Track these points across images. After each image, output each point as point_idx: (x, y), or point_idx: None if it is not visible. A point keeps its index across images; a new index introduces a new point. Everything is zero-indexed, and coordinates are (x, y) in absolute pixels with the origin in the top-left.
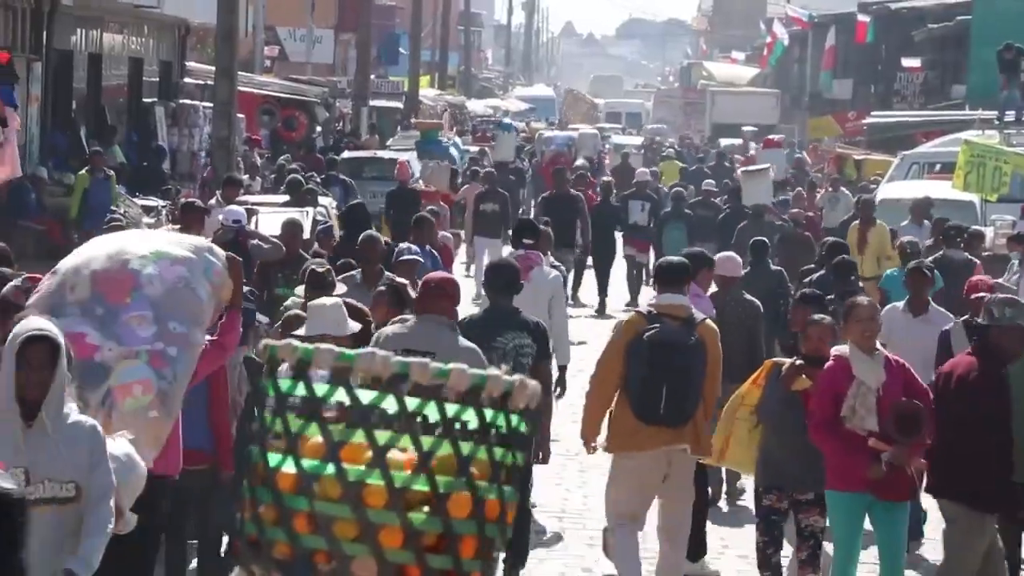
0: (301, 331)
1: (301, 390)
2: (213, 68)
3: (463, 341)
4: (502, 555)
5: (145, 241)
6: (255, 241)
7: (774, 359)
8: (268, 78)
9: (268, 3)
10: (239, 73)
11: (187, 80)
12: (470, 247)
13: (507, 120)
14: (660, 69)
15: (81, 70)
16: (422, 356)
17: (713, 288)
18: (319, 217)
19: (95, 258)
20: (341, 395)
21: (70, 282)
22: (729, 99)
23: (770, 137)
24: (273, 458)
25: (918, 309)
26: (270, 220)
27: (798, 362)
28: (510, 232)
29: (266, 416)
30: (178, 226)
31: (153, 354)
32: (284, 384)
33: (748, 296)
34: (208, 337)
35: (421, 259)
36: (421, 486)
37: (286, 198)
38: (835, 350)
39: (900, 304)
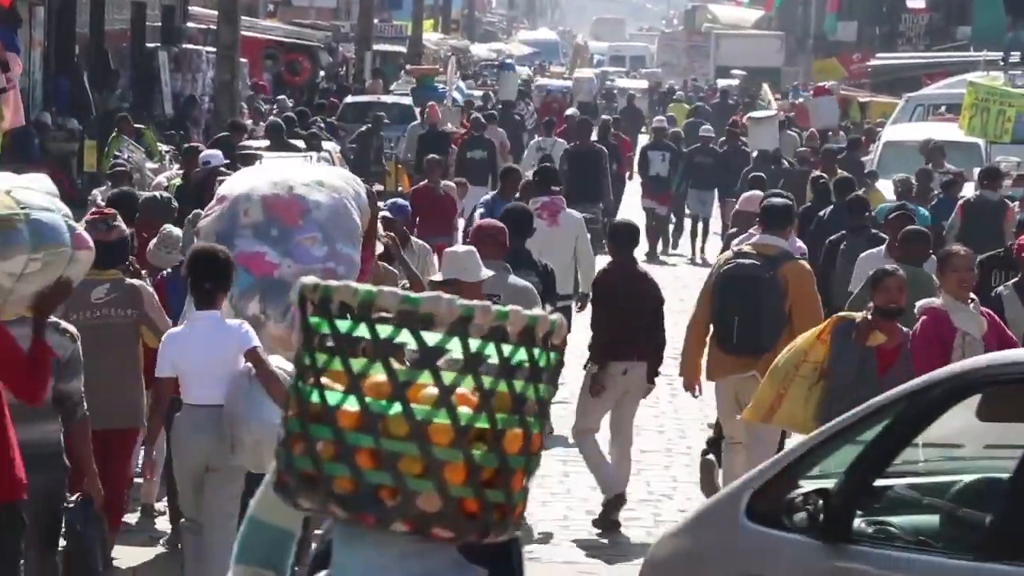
0: (437, 276)
1: (363, 331)
2: (216, 12)
3: (518, 280)
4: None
5: (304, 171)
6: (224, 178)
7: (839, 313)
8: (271, 22)
9: None
10: (242, 17)
11: (190, 25)
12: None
13: (509, 61)
14: (664, 12)
15: (84, 15)
16: (488, 298)
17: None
18: (323, 162)
19: (260, 185)
20: (406, 336)
21: (242, 207)
22: (733, 42)
23: (820, 85)
24: (333, 396)
25: (900, 254)
26: (275, 165)
27: (869, 316)
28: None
29: (319, 355)
30: (181, 171)
31: (326, 271)
32: (344, 325)
33: None
34: None
35: (389, 214)
36: (483, 424)
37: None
38: (925, 303)
39: (879, 250)
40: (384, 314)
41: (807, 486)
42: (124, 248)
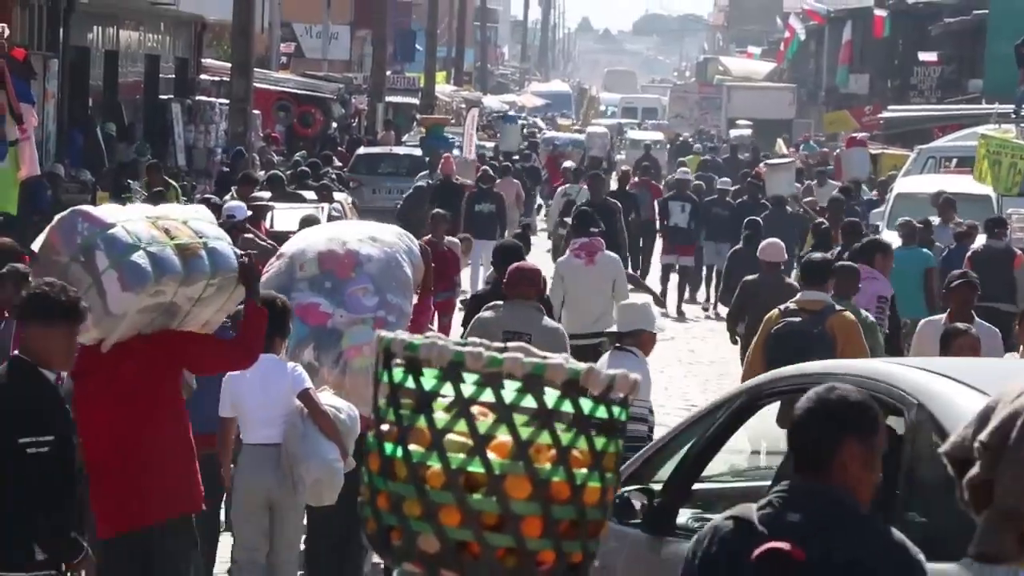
0: (613, 328)
1: (385, 377)
2: (229, 65)
3: (549, 322)
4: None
5: (358, 227)
6: (249, 235)
7: None
8: (284, 74)
9: (284, 0)
10: (255, 70)
11: (203, 77)
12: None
13: (511, 113)
14: (676, 64)
15: (98, 67)
16: (519, 337)
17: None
18: (335, 213)
19: (316, 242)
20: (410, 382)
21: (299, 262)
22: (745, 94)
23: (853, 136)
24: (370, 442)
25: (962, 321)
26: (287, 217)
27: None
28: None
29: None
30: None
31: (377, 320)
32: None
33: (788, 280)
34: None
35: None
36: (476, 468)
37: (268, 194)
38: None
39: (940, 318)
40: (397, 360)
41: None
42: None
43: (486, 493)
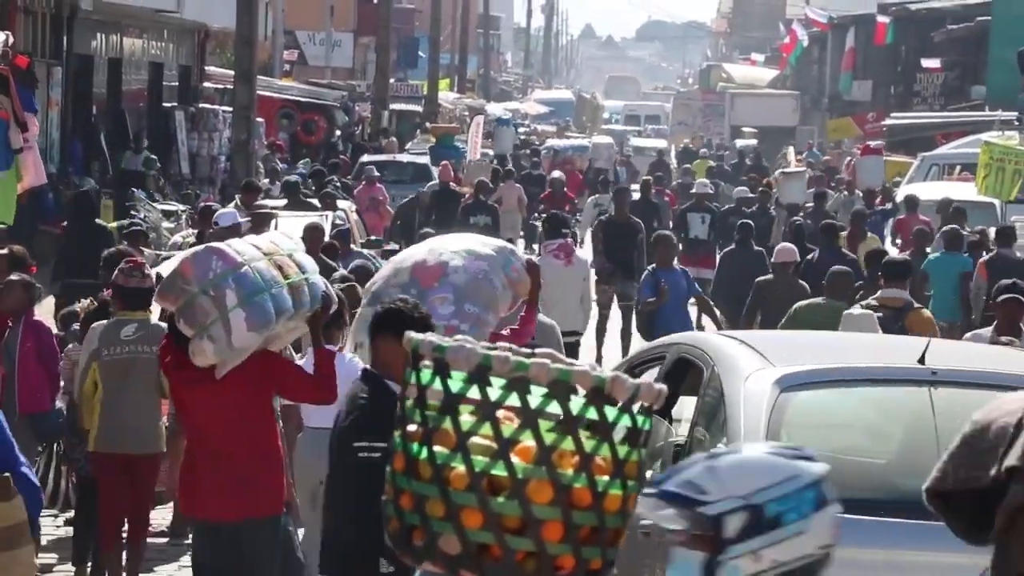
0: None
1: (413, 379)
2: (232, 72)
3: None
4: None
5: (459, 240)
6: None
7: None
8: (287, 82)
9: (287, 7)
10: (258, 77)
11: (206, 84)
12: None
13: (505, 117)
14: (679, 71)
15: (101, 75)
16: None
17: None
18: (338, 221)
19: (418, 252)
20: (437, 384)
21: (396, 269)
22: (748, 101)
23: (868, 144)
24: (396, 441)
25: (1009, 335)
26: (290, 224)
27: None
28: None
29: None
30: (196, 230)
31: (448, 328)
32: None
33: (801, 282)
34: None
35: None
36: (499, 471)
37: (284, 202)
38: None
39: (986, 331)
40: (425, 362)
41: None
42: (152, 294)
43: (508, 496)
